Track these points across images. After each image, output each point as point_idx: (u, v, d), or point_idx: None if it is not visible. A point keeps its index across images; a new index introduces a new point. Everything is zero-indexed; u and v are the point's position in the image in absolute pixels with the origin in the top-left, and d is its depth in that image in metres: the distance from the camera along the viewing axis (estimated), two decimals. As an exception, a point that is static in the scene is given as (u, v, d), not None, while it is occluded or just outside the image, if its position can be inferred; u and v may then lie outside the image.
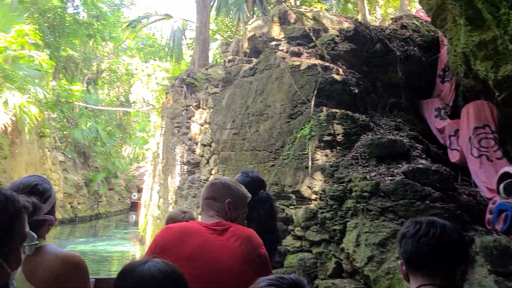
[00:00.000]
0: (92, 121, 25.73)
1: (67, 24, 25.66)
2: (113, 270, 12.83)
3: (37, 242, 1.70)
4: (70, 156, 25.02)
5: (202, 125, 11.98)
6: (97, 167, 28.21)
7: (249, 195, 2.56)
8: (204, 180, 11.48)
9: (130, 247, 16.94)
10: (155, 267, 1.40)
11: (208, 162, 11.37)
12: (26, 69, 14.19)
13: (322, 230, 6.30)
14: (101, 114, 29.98)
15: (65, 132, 26.12)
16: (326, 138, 6.66)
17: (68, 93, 20.89)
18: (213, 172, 11.07)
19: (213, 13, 17.48)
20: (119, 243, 17.19)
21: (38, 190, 1.99)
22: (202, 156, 11.79)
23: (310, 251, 6.54)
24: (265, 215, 3.17)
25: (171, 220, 3.32)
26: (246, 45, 10.30)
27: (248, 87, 9.06)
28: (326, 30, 8.29)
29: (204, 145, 11.54)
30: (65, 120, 26.33)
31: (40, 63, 14.06)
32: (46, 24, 23.71)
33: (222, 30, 19.78)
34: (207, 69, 12.73)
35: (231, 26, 18.40)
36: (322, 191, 6.38)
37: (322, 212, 6.23)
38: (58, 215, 21.46)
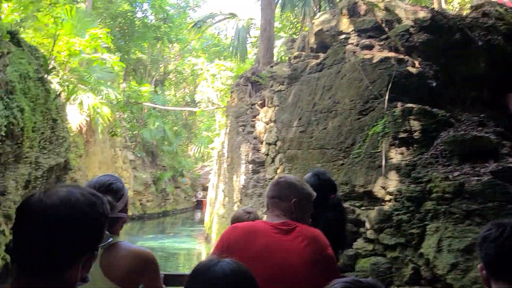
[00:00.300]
0: (159, 121, 26.50)
1: (136, 28, 26.70)
2: (180, 267, 13.05)
3: (111, 240, 1.90)
4: (139, 155, 25.95)
5: (267, 124, 11.86)
6: (164, 166, 29.02)
7: (314, 193, 2.50)
8: (269, 179, 11.34)
9: (196, 245, 17.21)
10: (227, 267, 1.44)
11: (273, 161, 11.22)
12: (99, 72, 14.79)
13: (397, 233, 5.91)
14: (168, 114, 30.84)
15: (134, 132, 27.15)
16: (402, 135, 6.24)
17: (137, 94, 21.72)
18: (278, 171, 10.90)
19: (277, 10, 17.34)
20: (185, 241, 17.52)
21: (113, 189, 2.07)
22: (267, 155, 11.67)
23: (384, 255, 6.16)
24: (334, 220, 3.08)
25: (235, 220, 3.29)
26: (312, 40, 10.01)
27: (315, 83, 8.78)
28: (399, 20, 7.81)
29: (269, 144, 11.41)
30: (134, 120, 27.35)
31: (111, 65, 14.63)
32: (117, 28, 24.81)
33: (287, 27, 19.57)
34: (272, 66, 12.58)
35: (296, 23, 18.12)
36: (398, 191, 5.99)
37: (397, 214, 5.86)
38: (129, 211, 22.21)
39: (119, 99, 17.53)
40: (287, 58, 12.30)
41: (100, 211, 1.27)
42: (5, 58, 7.71)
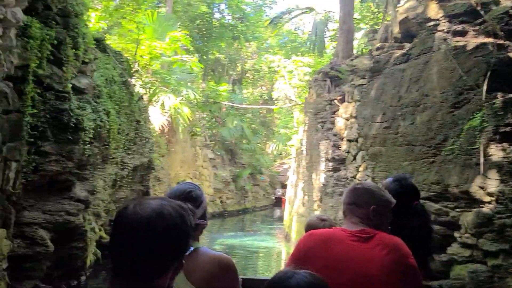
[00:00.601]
0: (237, 119, 26.81)
1: (214, 29, 27.23)
2: (260, 265, 13.02)
3: (192, 249, 2.00)
4: (219, 153, 26.45)
5: (347, 120, 11.44)
6: (243, 164, 29.31)
7: (394, 201, 2.42)
8: (350, 177, 10.93)
9: (275, 243, 17.10)
10: (302, 280, 1.42)
11: (354, 159, 10.81)
12: (179, 73, 15.25)
13: (500, 239, 5.35)
14: (246, 112, 31.06)
15: (214, 131, 27.74)
16: (504, 129, 5.61)
17: (216, 94, 22.10)
18: (360, 169, 10.46)
19: (356, 1, 16.67)
20: (265, 239, 17.49)
21: (192, 197, 2.14)
22: (348, 152, 11.26)
23: (484, 263, 5.61)
24: (419, 228, 2.95)
25: (310, 228, 3.21)
26: (396, 29, 9.40)
27: (400, 76, 8.21)
28: (497, 2, 7.01)
29: (350, 141, 11.00)
30: (213, 119, 27.93)
31: (190, 66, 14.98)
32: (195, 30, 25.43)
33: (367, 18, 18.76)
34: (352, 60, 12.08)
35: (377, 13, 17.28)
36: (500, 192, 5.38)
37: (500, 218, 5.29)
38: (210, 209, 22.88)
39: (198, 99, 17.90)
40: (368, 50, 11.71)
41: (188, 223, 1.34)
42: (92, 64, 8.08)
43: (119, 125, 8.97)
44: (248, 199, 28.92)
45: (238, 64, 33.09)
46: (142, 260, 1.25)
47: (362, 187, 2.43)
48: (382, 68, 9.34)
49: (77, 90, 7.46)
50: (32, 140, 6.48)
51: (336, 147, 11.75)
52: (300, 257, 2.13)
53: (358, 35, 16.37)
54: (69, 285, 7.70)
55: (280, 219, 23.06)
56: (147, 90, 12.39)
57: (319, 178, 12.55)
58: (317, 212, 12.74)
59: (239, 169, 28.23)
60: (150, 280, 1.27)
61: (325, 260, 2.09)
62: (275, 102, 23.57)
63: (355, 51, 14.31)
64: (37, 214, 6.82)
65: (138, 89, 11.52)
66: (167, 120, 14.08)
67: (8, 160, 6.03)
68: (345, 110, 11.52)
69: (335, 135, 12.00)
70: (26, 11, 6.38)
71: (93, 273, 8.73)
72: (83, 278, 8.13)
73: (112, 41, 13.23)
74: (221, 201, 25.00)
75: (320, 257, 2.11)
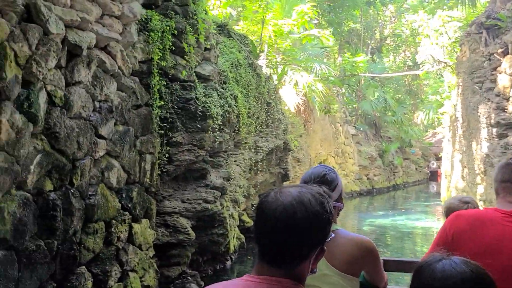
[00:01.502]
0: (379, 90, 25.16)
1: (345, -3, 25.79)
2: (418, 248, 11.90)
3: (333, 235, 1.99)
4: (361, 129, 25.34)
5: (513, 75, 9.72)
6: (389, 137, 27.79)
7: None
8: (522, 144, 9.21)
9: (433, 223, 15.57)
10: (450, 266, 1.27)
11: (526, 121, 9.09)
12: (310, 49, 14.68)
13: None
14: (388, 82, 29.21)
15: (354, 105, 26.59)
16: None
17: (353, 66, 20.98)
18: (535, 133, 8.71)
19: None
20: (420, 217, 16.14)
21: (327, 180, 2.13)
22: (516, 114, 9.59)
23: None
24: None
25: (449, 212, 2.85)
26: None
27: None
28: None
29: (519, 100, 9.31)
30: (353, 93, 26.72)
31: (321, 40, 14.29)
32: (326, 2, 24.39)
33: None
34: (514, 3, 10.20)
35: None
36: None
37: None
38: (356, 187, 22.10)
39: (333, 74, 17.12)
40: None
41: (328, 210, 1.33)
42: (215, 50, 7.95)
43: (248, 109, 8.80)
44: (398, 174, 27.39)
45: (375, 32, 31.14)
46: (283, 247, 1.27)
47: None
48: (558, 3, 7.47)
49: (202, 78, 7.39)
50: (162, 131, 6.61)
51: (501, 109, 10.36)
52: (447, 241, 2.00)
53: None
54: (215, 269, 7.86)
55: (437, 194, 21.24)
56: (276, 70, 12.08)
57: (481, 147, 11.30)
58: (481, 187, 11.25)
59: (386, 143, 26.72)
60: (292, 266, 1.28)
61: (476, 244, 1.94)
62: (421, 66, 21.48)
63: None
64: (176, 203, 6.98)
65: (270, 70, 11.27)
66: (301, 99, 13.62)
67: (142, 153, 6.22)
68: (510, 64, 10.02)
69: (497, 95, 10.58)
70: (146, 6, 6.45)
71: (239, 257, 8.84)
72: (228, 262, 8.24)
73: (240, 26, 13.21)
74: (368, 178, 23.96)
75: (470, 240, 1.96)
